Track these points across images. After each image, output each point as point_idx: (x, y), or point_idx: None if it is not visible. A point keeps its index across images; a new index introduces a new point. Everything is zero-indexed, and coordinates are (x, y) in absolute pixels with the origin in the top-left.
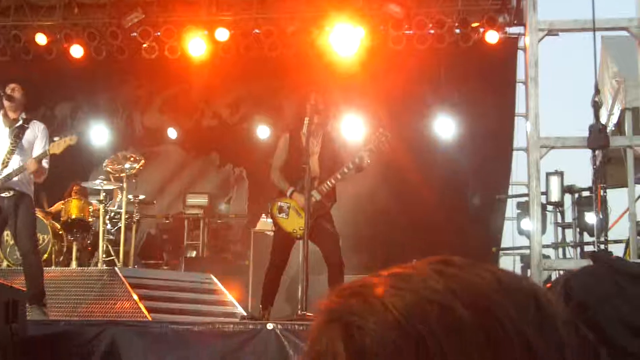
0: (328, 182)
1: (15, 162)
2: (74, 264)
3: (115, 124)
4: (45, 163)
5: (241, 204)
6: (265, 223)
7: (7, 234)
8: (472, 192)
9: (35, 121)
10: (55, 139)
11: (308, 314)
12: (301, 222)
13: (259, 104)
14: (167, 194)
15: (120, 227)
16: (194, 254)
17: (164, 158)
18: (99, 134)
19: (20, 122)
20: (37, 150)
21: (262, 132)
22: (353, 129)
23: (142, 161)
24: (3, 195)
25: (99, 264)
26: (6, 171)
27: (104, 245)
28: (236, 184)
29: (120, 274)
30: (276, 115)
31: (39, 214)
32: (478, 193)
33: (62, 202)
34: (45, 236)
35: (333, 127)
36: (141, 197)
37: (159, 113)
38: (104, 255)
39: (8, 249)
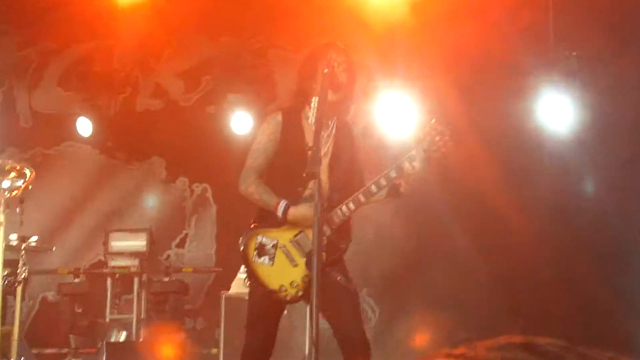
0: (344, 208)
1: None
2: None
3: None
4: None
5: (204, 247)
6: (244, 283)
7: None
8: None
9: None
10: None
11: None
12: (296, 272)
13: (234, 73)
14: (76, 233)
15: None
16: (122, 336)
17: (70, 168)
18: None
19: None
20: None
21: (239, 122)
22: (392, 118)
23: (31, 174)
24: None
25: None
26: None
27: None
28: (195, 212)
29: None
30: (263, 92)
31: None
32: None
33: None
34: None
35: (358, 114)
36: (32, 239)
37: (59, 89)
38: None
39: None
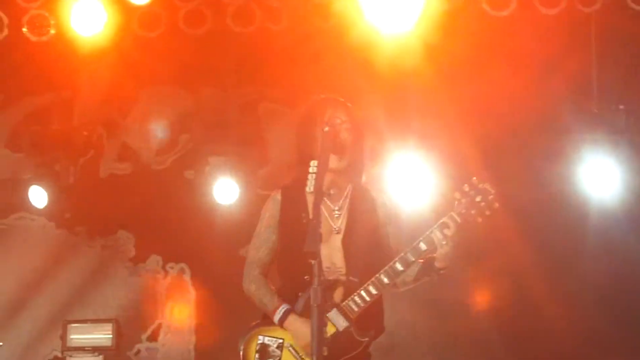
0: (363, 293)
1: None
2: None
3: None
4: None
5: (181, 341)
6: None
7: None
8: None
9: None
10: None
11: None
12: None
13: (217, 131)
14: (27, 325)
15: None
16: None
17: (20, 244)
18: None
19: None
20: None
21: (223, 189)
22: (405, 185)
23: None
24: None
25: None
26: None
27: None
28: (170, 298)
29: None
30: (253, 154)
31: None
32: None
33: None
34: None
35: (373, 178)
36: None
37: (7, 150)
38: None
39: None
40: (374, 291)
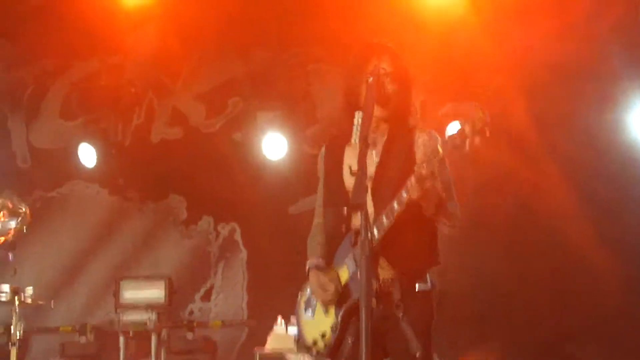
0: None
1: None
2: None
3: None
4: None
5: (234, 299)
6: (282, 338)
7: None
8: None
9: None
10: None
11: None
12: (327, 322)
13: (266, 93)
14: (82, 286)
15: None
16: None
17: (74, 211)
18: None
19: None
20: None
21: (272, 145)
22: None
23: (26, 212)
24: None
25: None
26: None
27: None
28: (222, 258)
29: None
30: (301, 112)
31: None
32: None
33: None
34: None
35: (412, 126)
36: (27, 290)
37: (61, 120)
38: None
39: None
40: (376, 234)
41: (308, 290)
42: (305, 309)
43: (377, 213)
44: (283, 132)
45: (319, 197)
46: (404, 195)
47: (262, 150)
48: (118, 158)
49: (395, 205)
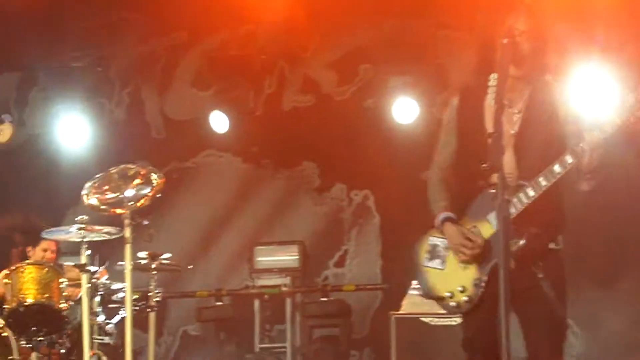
0: (521, 196)
1: None
2: None
3: (106, 113)
4: None
5: (368, 265)
6: (417, 301)
7: None
8: None
9: None
10: None
11: None
12: (466, 276)
13: (396, 60)
14: (217, 252)
15: (124, 318)
16: None
17: (209, 180)
18: (71, 132)
19: None
20: None
21: (403, 109)
22: (587, 98)
23: (159, 180)
24: None
25: None
26: None
27: (95, 359)
28: (356, 224)
29: None
30: (432, 79)
31: None
32: None
33: (6, 273)
34: None
35: (550, 85)
36: (164, 256)
37: (194, 90)
38: None
39: None
40: (531, 193)
41: (431, 239)
42: (430, 258)
43: (521, 172)
44: (414, 96)
45: (444, 148)
46: (569, 160)
47: (393, 115)
48: (250, 126)
49: (556, 168)
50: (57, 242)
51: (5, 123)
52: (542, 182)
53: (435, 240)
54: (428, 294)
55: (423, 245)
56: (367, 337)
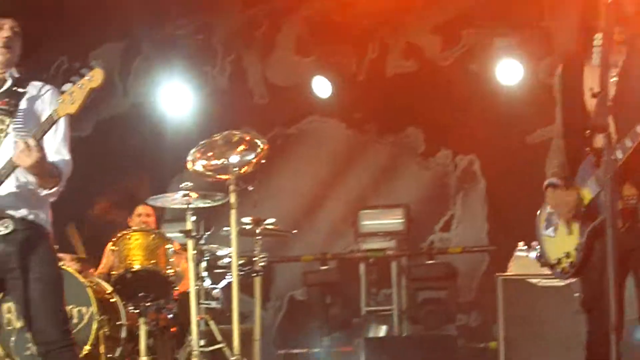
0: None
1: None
2: None
3: (210, 79)
4: (61, 152)
5: (474, 229)
6: (524, 263)
7: (8, 309)
8: None
9: (40, 84)
10: (65, 87)
11: None
12: (570, 242)
13: (501, 22)
14: (321, 215)
15: (230, 283)
16: (382, 330)
17: (313, 146)
18: (174, 100)
19: (9, 85)
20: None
21: (507, 70)
22: None
23: (263, 146)
24: None
25: None
26: None
27: (202, 324)
28: (461, 189)
29: None
30: (535, 39)
31: (66, 265)
32: None
33: (113, 240)
34: (84, 310)
35: None
36: (268, 221)
37: (296, 56)
38: (202, 343)
39: (12, 338)
40: (619, 155)
41: (548, 208)
42: (546, 227)
43: (619, 134)
44: (518, 58)
45: (558, 117)
46: None
47: (497, 78)
48: (353, 92)
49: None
50: (153, 208)
51: (96, 68)
52: (628, 143)
53: (550, 208)
54: (542, 261)
55: (542, 214)
56: (474, 301)
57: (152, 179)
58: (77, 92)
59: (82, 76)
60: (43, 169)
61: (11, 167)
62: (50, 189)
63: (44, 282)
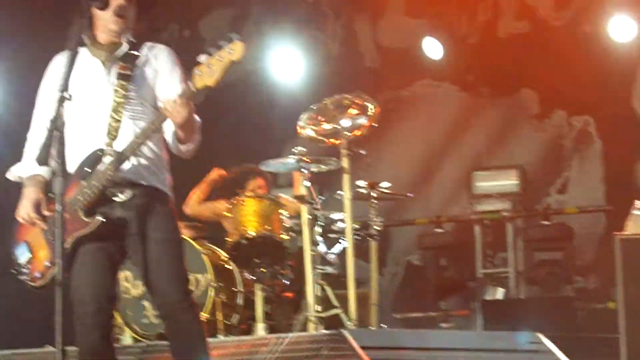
0: None
1: (128, 127)
2: (260, 328)
3: (321, 44)
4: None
5: (590, 191)
6: None
7: (125, 277)
8: None
9: (151, 44)
10: (201, 58)
11: None
12: None
13: None
14: (435, 178)
15: (345, 248)
16: (499, 293)
17: (426, 109)
18: (285, 65)
19: (125, 50)
20: (166, 92)
21: (620, 29)
22: None
23: (374, 109)
24: (115, 199)
25: (311, 326)
26: (114, 149)
27: (318, 289)
28: (576, 151)
29: (353, 343)
30: None
31: (184, 232)
32: None
33: (228, 204)
34: (200, 276)
35: None
36: (383, 185)
37: (407, 18)
38: (318, 309)
39: (132, 307)
40: None
41: None
42: None
43: None
44: (632, 14)
45: None
46: None
47: (610, 35)
48: (465, 54)
49: None
50: (266, 179)
51: (236, 42)
52: None
53: None
54: None
55: None
56: (592, 263)
57: (265, 146)
58: (216, 64)
59: (219, 48)
60: (191, 123)
61: (160, 121)
62: (188, 141)
63: (165, 244)
